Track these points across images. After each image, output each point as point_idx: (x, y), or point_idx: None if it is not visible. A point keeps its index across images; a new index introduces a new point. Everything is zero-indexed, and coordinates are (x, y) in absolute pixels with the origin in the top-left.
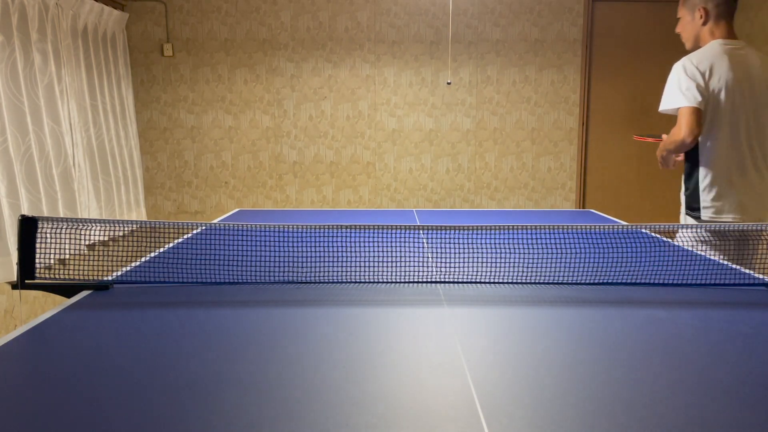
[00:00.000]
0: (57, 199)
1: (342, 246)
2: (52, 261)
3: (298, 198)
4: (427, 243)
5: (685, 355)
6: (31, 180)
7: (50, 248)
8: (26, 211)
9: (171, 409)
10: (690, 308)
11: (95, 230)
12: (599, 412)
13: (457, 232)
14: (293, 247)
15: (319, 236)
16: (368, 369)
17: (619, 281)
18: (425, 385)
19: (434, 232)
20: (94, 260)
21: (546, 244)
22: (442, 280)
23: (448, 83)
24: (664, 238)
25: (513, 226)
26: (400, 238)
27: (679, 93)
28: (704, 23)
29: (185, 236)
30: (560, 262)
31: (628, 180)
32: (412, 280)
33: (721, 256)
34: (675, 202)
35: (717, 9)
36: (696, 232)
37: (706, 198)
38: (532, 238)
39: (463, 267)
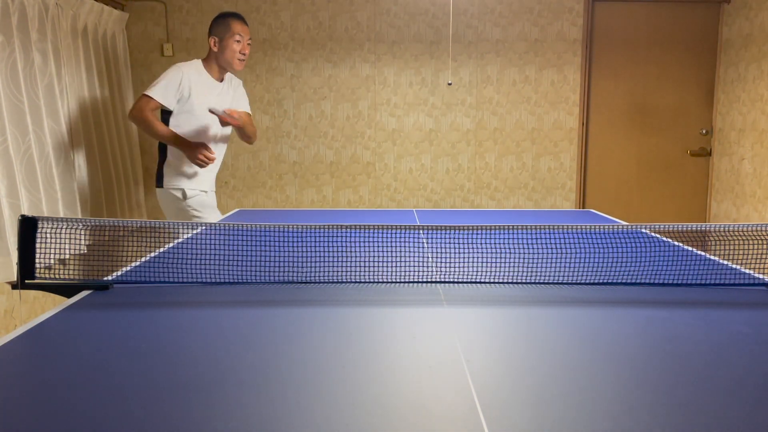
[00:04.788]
0: (57, 199)
1: (342, 246)
2: (52, 261)
3: (298, 198)
4: (427, 243)
5: (685, 355)
6: (31, 180)
7: (50, 248)
8: (26, 211)
9: (171, 409)
10: (690, 308)
11: (95, 230)
12: (599, 412)
13: (457, 232)
14: (293, 247)
15: (319, 236)
16: (368, 369)
17: (619, 281)
18: (425, 385)
19: (434, 232)
20: (94, 260)
21: (546, 244)
22: (442, 280)
23: (449, 84)
24: (664, 238)
25: (513, 226)
26: (400, 238)
27: None
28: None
29: (185, 236)
30: (560, 262)
31: (628, 180)
32: (412, 280)
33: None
34: (675, 202)
35: None
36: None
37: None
38: (532, 238)
39: (463, 267)
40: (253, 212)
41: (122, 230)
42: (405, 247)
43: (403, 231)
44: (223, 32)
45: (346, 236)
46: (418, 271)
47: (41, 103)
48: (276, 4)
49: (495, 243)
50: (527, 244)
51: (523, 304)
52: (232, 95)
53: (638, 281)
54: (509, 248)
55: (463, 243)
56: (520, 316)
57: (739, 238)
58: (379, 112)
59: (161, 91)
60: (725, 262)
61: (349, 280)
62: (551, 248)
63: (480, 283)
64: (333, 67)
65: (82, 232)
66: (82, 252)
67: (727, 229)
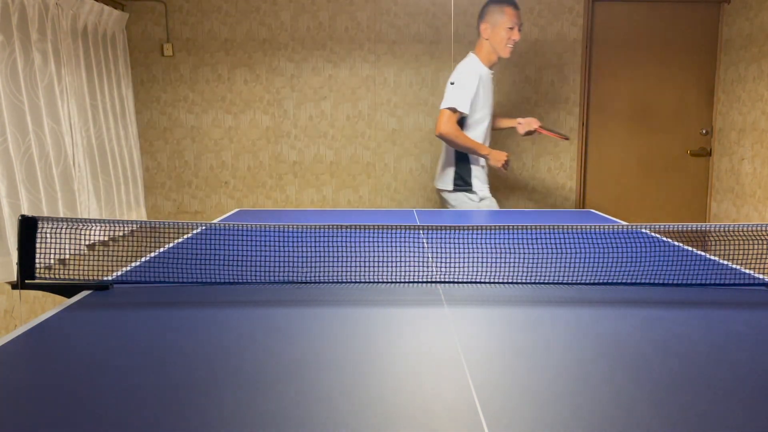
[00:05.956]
0: (57, 199)
1: (342, 246)
2: (52, 261)
3: (298, 198)
4: (427, 243)
5: (685, 355)
6: (31, 180)
7: (50, 248)
8: (26, 211)
9: (171, 408)
10: (690, 308)
11: (95, 230)
12: (599, 412)
13: (457, 232)
14: (293, 247)
15: (319, 236)
16: (368, 369)
17: (619, 281)
18: (425, 385)
19: (434, 232)
20: (94, 260)
21: (546, 244)
22: (442, 280)
23: (452, 84)
24: (664, 238)
25: (513, 226)
26: (400, 238)
27: None
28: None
29: (185, 236)
30: (560, 262)
31: (628, 180)
32: (412, 280)
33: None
34: (675, 202)
35: None
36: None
37: None
38: (532, 238)
39: (463, 267)
40: (253, 212)
41: (122, 230)
42: (405, 247)
43: (403, 231)
44: (497, 19)
45: (346, 236)
46: (418, 271)
47: (41, 103)
48: (276, 4)
49: (495, 243)
50: (527, 244)
51: (523, 304)
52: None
53: (638, 281)
54: (509, 248)
55: (463, 243)
56: (520, 316)
57: (739, 238)
58: (379, 112)
59: (464, 101)
60: (725, 262)
61: (349, 280)
62: (551, 248)
63: (480, 283)
64: (333, 68)
65: (82, 232)
66: (82, 252)
67: (727, 229)
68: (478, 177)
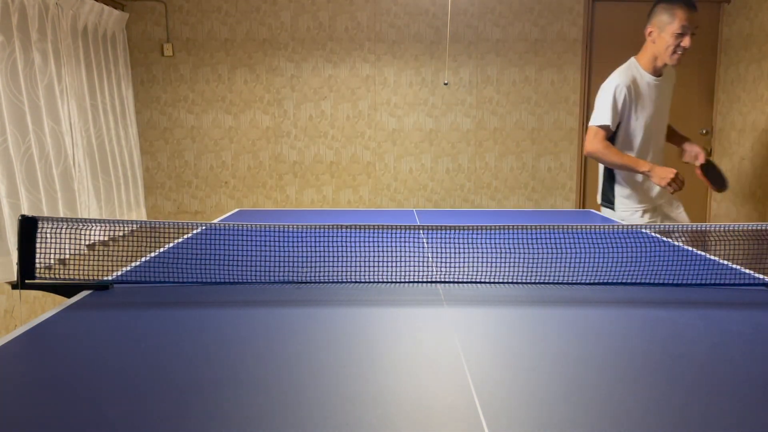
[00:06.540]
0: (57, 199)
1: (342, 246)
2: (52, 261)
3: (298, 198)
4: (427, 243)
5: (685, 355)
6: (31, 180)
7: (50, 248)
8: (26, 211)
9: (171, 409)
10: (690, 308)
11: (95, 230)
12: (599, 412)
13: (457, 232)
14: (293, 247)
15: (319, 236)
16: (368, 369)
17: (619, 281)
18: (425, 385)
19: (434, 232)
20: (94, 260)
21: (546, 244)
22: (442, 280)
23: (445, 84)
24: (664, 238)
25: (513, 226)
26: (400, 238)
27: None
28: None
29: (185, 236)
30: (560, 262)
31: None
32: (412, 280)
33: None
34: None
35: None
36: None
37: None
38: (532, 238)
39: (463, 267)
40: (253, 212)
41: (122, 230)
42: (405, 247)
43: (403, 231)
44: (664, 22)
45: (346, 236)
46: (418, 271)
47: (41, 103)
48: (276, 4)
49: (495, 243)
50: (527, 244)
51: (523, 304)
52: (670, 88)
53: (638, 281)
54: (509, 248)
55: (463, 243)
56: (520, 316)
57: (739, 238)
58: (379, 112)
59: (604, 114)
60: (725, 262)
61: (349, 280)
62: (551, 248)
63: (480, 283)
64: (333, 68)
65: (82, 232)
66: (82, 252)
67: (727, 229)
68: (624, 196)
